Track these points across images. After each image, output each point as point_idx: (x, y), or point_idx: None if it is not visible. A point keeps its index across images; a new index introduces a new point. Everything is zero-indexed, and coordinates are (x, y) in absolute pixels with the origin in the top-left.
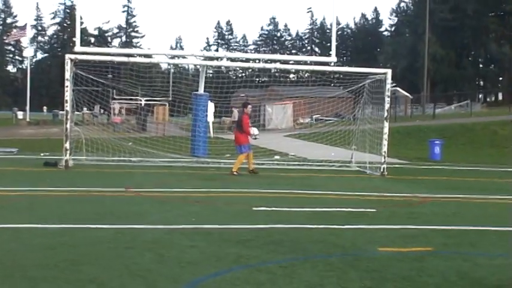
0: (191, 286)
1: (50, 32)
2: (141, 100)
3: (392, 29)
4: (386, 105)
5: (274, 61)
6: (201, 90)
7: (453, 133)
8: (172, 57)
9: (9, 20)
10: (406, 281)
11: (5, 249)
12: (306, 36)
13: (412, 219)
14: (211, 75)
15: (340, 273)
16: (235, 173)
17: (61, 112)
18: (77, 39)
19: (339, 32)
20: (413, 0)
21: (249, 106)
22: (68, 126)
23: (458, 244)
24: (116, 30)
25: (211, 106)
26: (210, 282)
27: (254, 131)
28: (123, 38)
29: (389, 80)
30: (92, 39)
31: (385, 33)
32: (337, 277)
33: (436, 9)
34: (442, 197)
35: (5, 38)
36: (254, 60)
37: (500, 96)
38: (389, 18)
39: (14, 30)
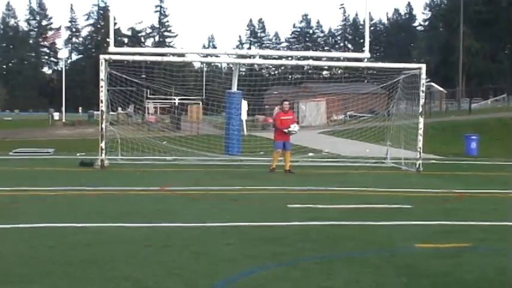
0: (227, 283)
1: (84, 33)
2: (174, 99)
3: (426, 23)
4: (421, 101)
5: (307, 58)
6: (234, 89)
7: (489, 128)
8: (205, 56)
9: (44, 22)
10: (443, 277)
11: (44, 247)
12: (339, 33)
13: (449, 215)
14: (244, 73)
15: (376, 270)
16: (270, 169)
17: (96, 112)
18: (111, 39)
19: (372, 28)
20: None
21: (285, 102)
22: (103, 126)
23: (497, 240)
24: (149, 30)
25: (244, 104)
26: (245, 279)
27: (293, 127)
28: (156, 38)
29: (423, 75)
30: (126, 40)
31: (419, 28)
32: (373, 273)
33: (470, 2)
34: (479, 193)
35: (40, 40)
36: (287, 58)
37: None
38: (423, 13)
39: (49, 32)
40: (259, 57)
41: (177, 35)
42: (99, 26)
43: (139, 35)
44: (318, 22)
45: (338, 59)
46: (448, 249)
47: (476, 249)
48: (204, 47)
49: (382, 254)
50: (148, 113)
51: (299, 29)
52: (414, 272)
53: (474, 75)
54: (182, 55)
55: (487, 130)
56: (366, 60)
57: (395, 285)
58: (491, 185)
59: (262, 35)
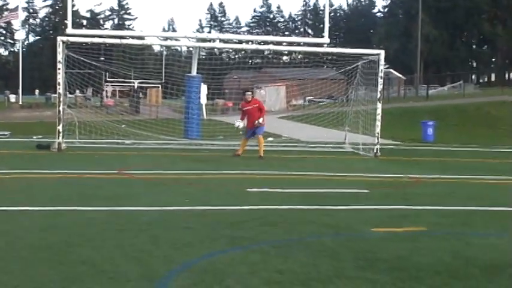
0: (186, 267)
1: (41, 14)
2: (134, 83)
3: (386, 10)
4: (380, 87)
5: (267, 43)
6: (194, 72)
7: (446, 114)
8: (165, 39)
9: (0, 3)
10: (400, 260)
11: None
12: (299, 18)
13: (405, 200)
14: (204, 57)
15: (334, 254)
16: (235, 154)
17: (53, 95)
18: (69, 21)
19: (332, 14)
20: None
21: (247, 93)
22: (61, 109)
23: (452, 224)
24: (108, 13)
25: (204, 88)
26: (204, 263)
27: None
28: (116, 21)
29: (382, 61)
30: (84, 22)
31: (378, 14)
32: (331, 257)
33: None
34: (435, 178)
35: None
36: (247, 42)
37: (493, 77)
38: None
39: (5, 13)
40: (219, 41)
41: (136, 18)
42: (57, 7)
43: (98, 17)
44: (278, 7)
45: (298, 44)
46: (404, 233)
47: (432, 233)
48: (164, 30)
49: (339, 238)
50: (106, 96)
51: (259, 14)
52: (371, 256)
53: (432, 62)
54: (141, 38)
55: (444, 116)
56: (325, 45)
57: (352, 269)
58: (447, 171)
59: (223, 19)
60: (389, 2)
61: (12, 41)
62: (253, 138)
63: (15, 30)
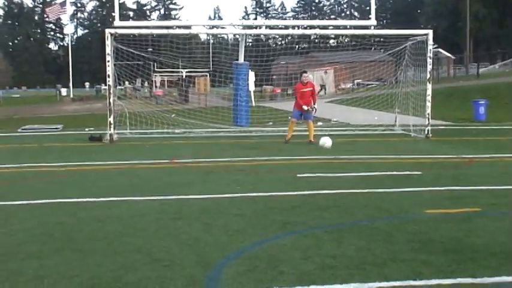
0: (239, 253)
1: (89, 8)
2: (182, 72)
3: None
4: (429, 67)
5: (313, 27)
6: (241, 60)
7: (497, 92)
8: (211, 27)
9: None
10: (454, 242)
11: (54, 223)
12: (345, 1)
13: (459, 181)
14: (250, 44)
15: (387, 237)
16: (285, 140)
17: (103, 87)
18: (116, 13)
19: None
20: None
21: (304, 74)
22: (111, 100)
23: (506, 204)
24: (154, 3)
25: (251, 75)
26: (257, 249)
27: (308, 108)
28: (162, 11)
29: (430, 41)
30: (131, 14)
31: None
32: (384, 240)
33: None
34: (489, 157)
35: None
36: (293, 27)
37: None
38: None
39: (48, 8)
40: (266, 28)
41: (182, 7)
42: (104, 0)
43: (145, 8)
44: None
45: (344, 27)
46: (458, 214)
47: (487, 214)
48: (209, 18)
49: (392, 221)
50: (155, 87)
51: None
52: (425, 238)
53: (482, 40)
54: (188, 27)
55: (495, 95)
56: (372, 27)
57: (406, 251)
58: (501, 150)
59: (268, 5)
60: None
61: (61, 36)
62: (302, 123)
63: (64, 25)
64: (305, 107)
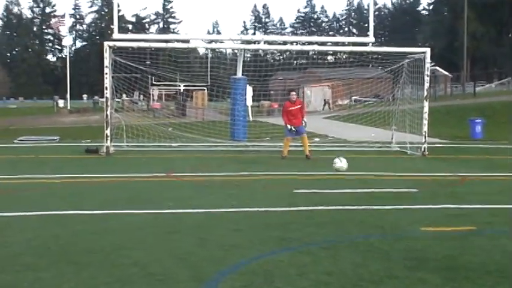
0: (235, 269)
1: (88, 20)
2: (180, 86)
3: (431, 7)
4: (426, 85)
5: (312, 43)
6: (239, 74)
7: (494, 111)
8: (210, 41)
9: (48, 10)
10: (449, 260)
11: (50, 236)
12: (343, 18)
13: (455, 199)
14: (249, 59)
15: (383, 254)
16: (282, 156)
17: (101, 99)
18: (115, 26)
19: (376, 12)
20: None
21: (292, 93)
22: (108, 113)
23: (502, 223)
24: (153, 17)
25: (249, 90)
26: (253, 264)
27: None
28: (161, 24)
29: (428, 59)
30: (130, 26)
31: (423, 12)
32: (380, 258)
33: None
34: (485, 176)
35: (44, 27)
36: (291, 43)
37: None
38: None
39: (53, 20)
40: (264, 43)
41: (181, 21)
42: (103, 12)
43: (144, 21)
44: (322, 7)
45: (343, 44)
46: (453, 232)
47: (482, 232)
48: (208, 32)
49: (388, 238)
50: (153, 100)
51: (303, 14)
52: (421, 256)
53: (479, 59)
54: (187, 41)
55: (492, 113)
56: (370, 44)
57: (402, 269)
58: (496, 169)
59: (267, 20)
60: None
61: (60, 47)
62: (296, 138)
63: (63, 36)
64: (289, 126)
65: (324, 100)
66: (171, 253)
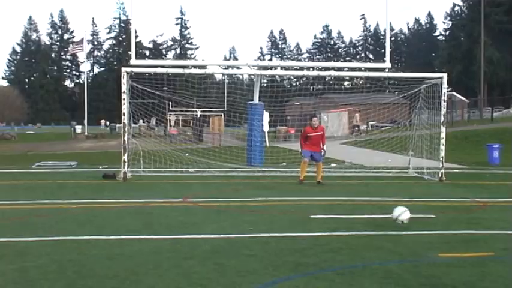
0: None
1: (105, 46)
2: (196, 111)
3: (447, 33)
4: (443, 110)
5: (328, 69)
6: (256, 100)
7: None
8: (227, 67)
9: (66, 36)
10: (467, 286)
11: (66, 260)
12: (360, 43)
13: (473, 225)
14: (265, 84)
15: (400, 280)
16: (299, 180)
17: (118, 125)
18: (132, 52)
19: (393, 38)
20: (468, 4)
21: (314, 118)
22: (126, 138)
23: None
24: (170, 43)
25: (266, 115)
26: None
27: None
28: (178, 50)
29: (445, 85)
30: (147, 52)
31: (440, 37)
32: (396, 284)
33: (491, 12)
34: (503, 202)
35: (62, 54)
36: (308, 69)
37: None
38: (444, 23)
39: (71, 46)
40: (281, 69)
41: (198, 47)
42: (120, 39)
43: (161, 47)
44: (338, 33)
45: (359, 69)
46: (471, 258)
47: (500, 258)
48: (225, 58)
49: (404, 264)
50: (170, 125)
51: (320, 40)
52: (438, 282)
53: (496, 84)
54: (204, 67)
55: (510, 139)
56: (387, 70)
57: None
58: None
59: (283, 46)
60: (450, 25)
61: (77, 73)
62: (312, 164)
63: (81, 62)
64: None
65: (354, 125)
66: (187, 279)
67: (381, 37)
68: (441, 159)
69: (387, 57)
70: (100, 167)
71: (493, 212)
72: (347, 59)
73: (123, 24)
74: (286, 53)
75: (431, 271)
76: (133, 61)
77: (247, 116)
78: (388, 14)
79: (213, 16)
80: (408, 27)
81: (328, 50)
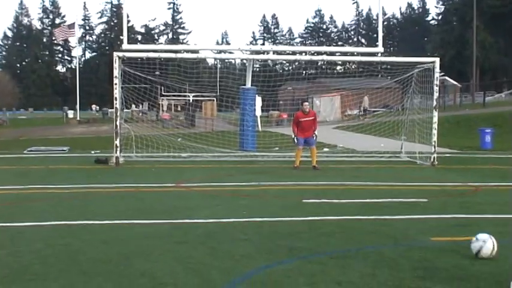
0: (244, 278)
1: (97, 31)
2: (189, 96)
3: (439, 17)
4: (435, 95)
5: (321, 53)
6: (249, 85)
7: (504, 121)
8: (219, 52)
9: (57, 21)
10: (460, 269)
11: (60, 245)
12: (352, 28)
13: (465, 209)
14: (258, 69)
15: (393, 264)
16: (294, 167)
17: (110, 110)
18: (124, 37)
19: (385, 22)
20: None
21: (305, 103)
22: (118, 123)
23: None
24: (162, 28)
25: (258, 100)
26: (262, 274)
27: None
28: (170, 35)
29: (437, 69)
30: (139, 37)
31: (432, 22)
32: (389, 267)
33: None
34: (495, 186)
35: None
36: (300, 53)
37: None
38: (436, 7)
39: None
40: (273, 53)
41: (190, 32)
42: (112, 23)
43: (153, 32)
44: (331, 17)
45: (352, 54)
46: (464, 242)
47: None
48: (217, 43)
49: (397, 248)
50: (162, 110)
51: (312, 25)
52: (430, 266)
53: (488, 69)
54: (196, 51)
55: (502, 123)
56: (379, 54)
57: (411, 279)
58: (507, 178)
59: (276, 30)
60: (443, 9)
61: (69, 58)
62: (306, 149)
63: (72, 47)
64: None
65: (363, 109)
66: (180, 263)
67: (373, 22)
68: (433, 143)
69: (380, 42)
70: (92, 152)
71: (485, 196)
72: (339, 43)
73: (115, 9)
74: (278, 38)
75: (423, 255)
76: (125, 46)
77: (239, 101)
78: None
79: (205, 0)
80: (401, 11)
81: (321, 35)
